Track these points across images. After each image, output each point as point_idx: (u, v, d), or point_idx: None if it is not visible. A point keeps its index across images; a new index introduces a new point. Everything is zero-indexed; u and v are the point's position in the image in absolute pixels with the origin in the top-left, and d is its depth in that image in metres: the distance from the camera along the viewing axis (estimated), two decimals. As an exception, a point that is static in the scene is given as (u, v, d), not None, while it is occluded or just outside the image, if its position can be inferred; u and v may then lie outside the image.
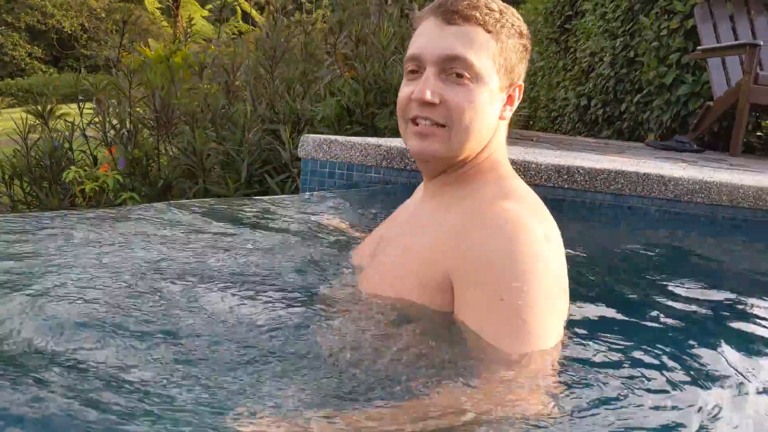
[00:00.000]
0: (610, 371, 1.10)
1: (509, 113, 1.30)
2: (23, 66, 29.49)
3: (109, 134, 4.11)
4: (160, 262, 1.51)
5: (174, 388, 0.93)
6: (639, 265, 2.18)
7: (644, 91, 6.53)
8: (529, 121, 10.70)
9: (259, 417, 0.85)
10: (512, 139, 5.02)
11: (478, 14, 1.20)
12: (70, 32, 30.94)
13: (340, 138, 2.96)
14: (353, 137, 3.01)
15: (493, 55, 1.22)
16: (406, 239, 1.31)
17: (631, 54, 6.81)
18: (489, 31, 1.21)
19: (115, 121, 4.03)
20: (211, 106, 4.06)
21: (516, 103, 1.30)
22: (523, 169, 2.93)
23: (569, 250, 2.06)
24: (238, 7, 11.29)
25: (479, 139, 1.26)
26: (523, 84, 1.31)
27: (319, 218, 2.16)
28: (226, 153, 3.85)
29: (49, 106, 4.32)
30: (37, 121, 4.26)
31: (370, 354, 1.11)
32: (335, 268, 1.56)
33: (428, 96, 1.19)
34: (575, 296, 1.44)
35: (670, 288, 1.76)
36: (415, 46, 1.24)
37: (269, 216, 2.28)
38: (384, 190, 2.90)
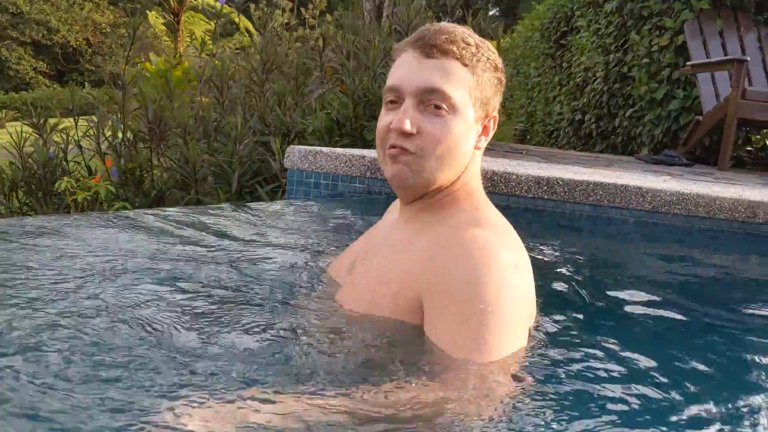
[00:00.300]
0: (567, 378, 1.15)
1: (484, 143, 1.35)
2: (28, 80, 29.75)
3: (102, 146, 4.18)
4: (126, 267, 1.57)
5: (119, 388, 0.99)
6: (615, 274, 2.23)
7: (636, 106, 6.61)
8: (526, 135, 10.78)
9: (200, 407, 0.90)
10: (503, 152, 5.09)
11: (455, 48, 1.25)
12: (75, 47, 31.21)
13: (325, 149, 3.03)
14: (338, 149, 3.08)
15: (470, 89, 1.26)
16: (380, 260, 1.35)
17: (624, 69, 6.89)
18: (465, 65, 1.25)
19: (108, 133, 4.10)
20: (204, 119, 4.14)
21: (491, 134, 1.35)
22: (504, 180, 2.99)
23: (547, 258, 2.13)
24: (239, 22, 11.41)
25: (454, 169, 1.30)
26: (497, 115, 1.35)
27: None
28: (217, 164, 3.92)
29: (43, 119, 4.39)
30: (34, 134, 4.34)
31: (335, 359, 1.16)
32: (310, 280, 1.61)
33: (407, 126, 1.23)
34: (547, 302, 1.50)
35: (641, 294, 1.80)
36: (394, 78, 1.29)
37: (247, 224, 2.34)
38: (368, 199, 2.97)
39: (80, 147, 4.26)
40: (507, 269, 1.17)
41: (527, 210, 3.03)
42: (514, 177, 3.00)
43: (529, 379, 1.11)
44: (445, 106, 1.24)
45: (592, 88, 7.69)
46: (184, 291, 1.43)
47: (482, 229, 1.23)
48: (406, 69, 1.27)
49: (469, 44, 1.27)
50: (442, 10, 4.96)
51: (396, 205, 1.50)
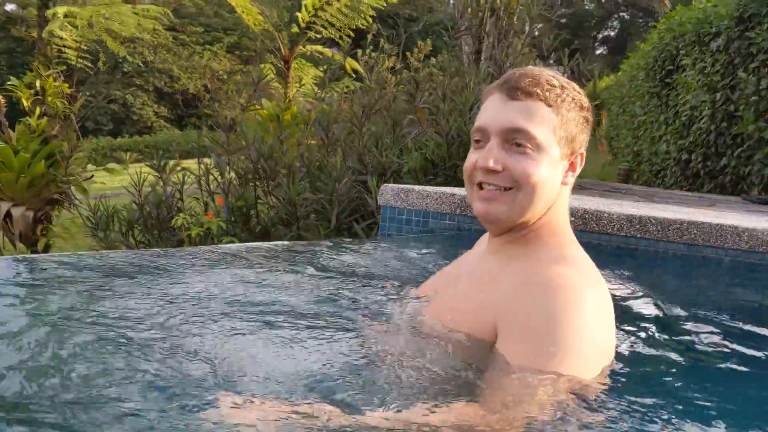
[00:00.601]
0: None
1: (572, 179, 1.41)
2: (150, 124, 31.83)
3: (212, 186, 4.50)
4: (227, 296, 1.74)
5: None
6: (709, 315, 2.19)
7: (745, 146, 6.38)
8: (632, 175, 10.53)
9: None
10: (601, 191, 5.06)
11: (539, 90, 1.33)
12: (193, 93, 33.17)
13: (417, 187, 3.16)
14: (428, 187, 3.20)
15: (554, 128, 1.33)
16: (465, 287, 1.45)
17: (731, 108, 6.69)
18: (550, 106, 1.33)
19: (217, 174, 4.41)
20: (307, 159, 4.38)
21: (578, 170, 1.41)
22: (595, 218, 3.01)
23: (633, 296, 2.14)
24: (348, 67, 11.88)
25: (541, 203, 1.36)
26: (584, 152, 1.41)
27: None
28: (319, 202, 4.13)
29: (162, 161, 4.76)
30: (155, 174, 4.72)
31: (411, 376, 1.26)
32: (396, 306, 1.72)
33: (491, 164, 1.32)
34: (630, 340, 1.53)
35: (739, 340, 1.76)
36: (481, 119, 1.38)
37: (341, 258, 2.49)
38: (458, 236, 3.06)
39: (200, 184, 4.59)
40: (585, 313, 1.23)
41: (619, 248, 3.03)
42: (606, 215, 3.01)
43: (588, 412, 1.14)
44: (529, 145, 1.31)
45: (699, 127, 7.48)
46: (280, 314, 1.58)
47: (566, 267, 1.29)
48: (492, 110, 1.36)
49: (553, 86, 1.34)
50: (539, 54, 5.05)
51: (485, 237, 1.58)
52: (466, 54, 6.28)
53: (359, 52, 11.19)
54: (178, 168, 4.95)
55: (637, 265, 2.89)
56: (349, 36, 10.95)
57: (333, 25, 10.28)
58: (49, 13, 6.44)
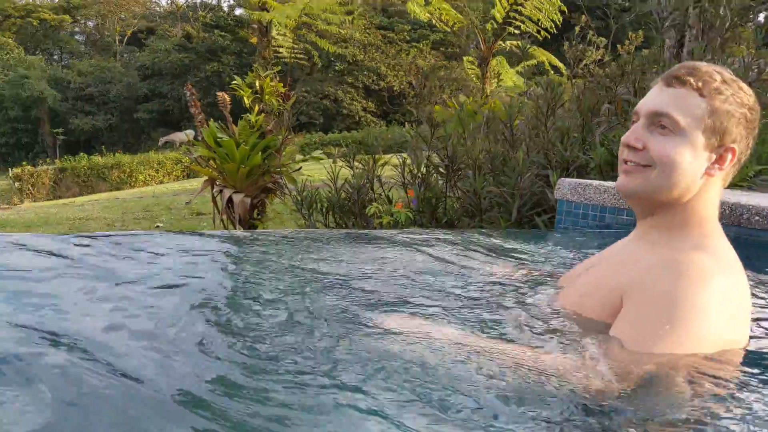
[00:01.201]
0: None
1: (717, 172, 1.43)
2: (358, 119, 33.52)
3: (406, 178, 4.79)
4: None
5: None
6: None
7: None
8: None
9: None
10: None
11: (693, 80, 1.40)
12: (398, 90, 34.41)
13: (594, 182, 3.19)
14: (606, 182, 3.21)
15: (701, 116, 1.39)
16: (604, 268, 1.55)
17: None
18: (702, 96, 1.39)
19: (411, 167, 4.69)
20: (492, 154, 4.52)
21: (727, 165, 1.42)
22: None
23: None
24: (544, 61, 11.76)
25: (677, 186, 1.42)
26: (736, 148, 1.42)
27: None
28: (501, 195, 4.26)
29: (352, 156, 5.13)
30: (346, 167, 5.12)
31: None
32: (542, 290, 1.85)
33: (632, 141, 1.43)
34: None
35: None
36: (639, 103, 1.49)
37: (509, 247, 2.62)
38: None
39: (403, 173, 4.91)
40: (709, 297, 1.27)
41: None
42: None
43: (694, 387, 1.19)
44: (671, 128, 1.39)
45: None
46: (447, 294, 1.77)
47: (702, 254, 1.34)
48: (649, 96, 1.47)
49: (713, 78, 1.40)
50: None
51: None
52: (667, 47, 6.04)
53: (566, 45, 11.02)
54: (381, 162, 5.29)
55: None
56: (549, 30, 10.84)
57: (531, 19, 10.24)
58: (259, 17, 7.12)
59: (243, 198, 6.17)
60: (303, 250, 2.31)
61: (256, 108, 6.19)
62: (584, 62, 9.50)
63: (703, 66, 1.43)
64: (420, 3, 11.88)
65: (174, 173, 27.19)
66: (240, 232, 2.84)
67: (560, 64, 12.59)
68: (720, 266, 1.34)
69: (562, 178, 3.24)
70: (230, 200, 6.22)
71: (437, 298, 1.69)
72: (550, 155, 4.25)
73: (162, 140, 29.26)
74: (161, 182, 25.81)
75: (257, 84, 6.23)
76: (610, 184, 3.18)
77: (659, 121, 1.40)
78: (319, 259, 2.10)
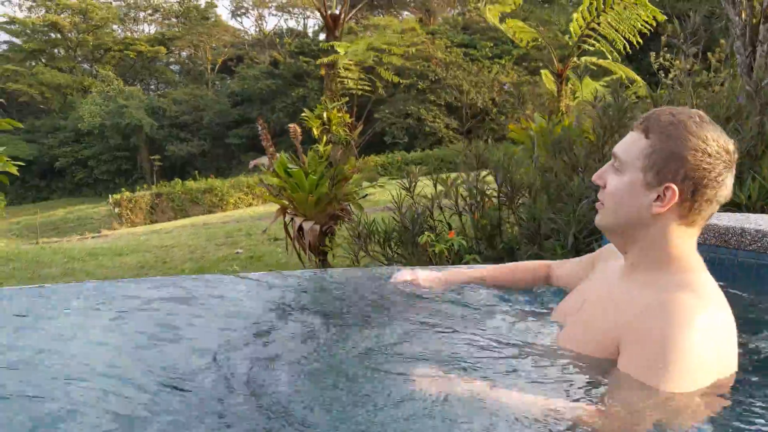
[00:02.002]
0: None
1: (659, 210, 1.48)
2: (440, 137, 33.60)
3: (460, 204, 4.84)
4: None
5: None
6: None
7: None
8: None
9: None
10: None
11: (645, 123, 1.52)
12: (481, 107, 34.31)
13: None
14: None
15: (641, 155, 1.49)
16: (599, 310, 1.61)
17: None
18: (647, 137, 1.50)
19: (465, 193, 4.74)
20: (549, 179, 4.51)
21: (668, 203, 1.47)
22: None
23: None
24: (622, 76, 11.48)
25: (620, 220, 1.55)
26: (675, 188, 1.45)
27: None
28: (557, 222, 4.25)
29: (414, 181, 5.19)
30: (407, 192, 5.18)
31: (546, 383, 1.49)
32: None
33: (594, 178, 1.62)
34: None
35: None
36: None
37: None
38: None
39: (456, 200, 4.97)
40: (695, 334, 1.34)
41: None
42: None
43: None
44: (616, 166, 1.55)
45: None
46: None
47: (684, 293, 1.41)
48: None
49: (660, 120, 1.49)
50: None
51: (606, 252, 1.84)
52: (739, 65, 5.87)
53: (652, 55, 10.79)
54: (450, 182, 5.29)
55: None
56: (628, 46, 10.63)
57: (605, 38, 10.09)
58: (332, 59, 7.43)
59: (312, 225, 6.38)
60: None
61: (324, 138, 6.41)
62: (672, 73, 9.26)
63: (665, 109, 1.52)
64: (495, 15, 11.92)
65: (263, 196, 28.10)
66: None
67: (638, 78, 12.29)
68: (702, 303, 1.41)
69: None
70: (300, 228, 6.44)
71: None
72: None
73: (252, 164, 30.23)
74: (250, 205, 26.71)
75: (325, 116, 6.45)
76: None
77: (613, 161, 1.56)
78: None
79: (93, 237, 14.40)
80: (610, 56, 10.16)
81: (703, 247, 2.89)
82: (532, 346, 1.70)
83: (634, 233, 1.54)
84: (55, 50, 47.84)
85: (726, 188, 1.47)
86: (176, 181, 29.35)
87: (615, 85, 5.72)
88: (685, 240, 1.51)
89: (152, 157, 39.13)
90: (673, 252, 1.50)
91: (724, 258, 2.82)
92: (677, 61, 9.67)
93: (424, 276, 2.23)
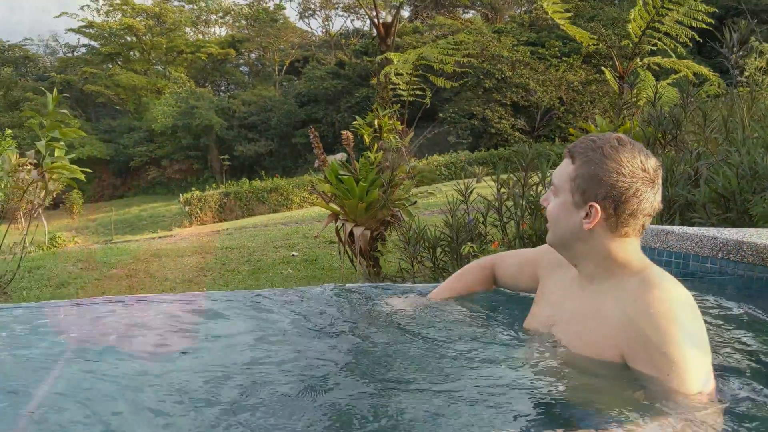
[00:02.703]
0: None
1: (588, 226, 1.64)
2: (506, 137, 33.24)
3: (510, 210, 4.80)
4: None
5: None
6: None
7: None
8: None
9: None
10: None
11: (571, 150, 1.68)
12: (548, 106, 33.78)
13: (677, 229, 3.10)
14: (689, 228, 3.11)
15: (568, 179, 1.66)
16: (576, 327, 1.71)
17: None
18: (573, 162, 1.67)
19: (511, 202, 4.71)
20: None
21: (595, 219, 1.62)
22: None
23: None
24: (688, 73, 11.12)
25: (561, 237, 1.73)
26: (598, 206, 1.61)
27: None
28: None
29: (471, 186, 5.17)
30: (460, 198, 5.15)
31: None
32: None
33: (541, 201, 1.80)
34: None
35: None
36: None
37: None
38: (720, 280, 2.93)
39: (500, 210, 4.94)
40: (683, 325, 1.50)
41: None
42: None
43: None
44: (552, 191, 1.72)
45: None
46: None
47: (657, 289, 1.55)
48: None
49: (586, 147, 1.64)
50: None
51: (546, 261, 1.96)
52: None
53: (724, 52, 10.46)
54: (512, 184, 5.21)
55: None
56: (690, 42, 10.32)
57: (668, 35, 9.80)
58: (387, 70, 7.50)
59: (363, 231, 6.45)
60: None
61: (375, 145, 6.47)
62: (747, 71, 8.95)
63: (588, 136, 1.66)
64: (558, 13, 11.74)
65: (315, 202, 28.43)
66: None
67: (710, 75, 11.90)
68: (674, 285, 1.58)
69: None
70: (351, 233, 6.52)
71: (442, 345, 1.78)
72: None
73: (317, 163, 30.67)
74: (313, 204, 27.09)
75: (376, 123, 6.51)
76: (693, 231, 3.08)
77: (551, 187, 1.73)
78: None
79: (161, 237, 14.92)
80: (673, 54, 9.87)
81: (740, 265, 2.84)
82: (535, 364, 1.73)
83: (577, 247, 1.70)
84: (131, 53, 49.67)
85: (647, 202, 1.60)
86: (244, 181, 30.04)
87: (685, 84, 5.59)
88: (625, 248, 1.65)
89: (222, 157, 40.16)
90: (620, 258, 1.64)
91: (762, 276, 2.76)
92: (751, 58, 9.35)
93: (397, 302, 2.29)
